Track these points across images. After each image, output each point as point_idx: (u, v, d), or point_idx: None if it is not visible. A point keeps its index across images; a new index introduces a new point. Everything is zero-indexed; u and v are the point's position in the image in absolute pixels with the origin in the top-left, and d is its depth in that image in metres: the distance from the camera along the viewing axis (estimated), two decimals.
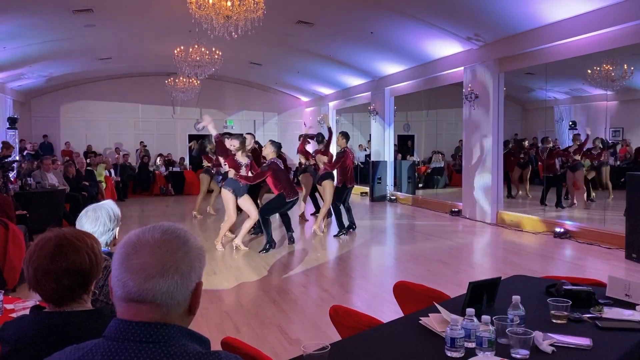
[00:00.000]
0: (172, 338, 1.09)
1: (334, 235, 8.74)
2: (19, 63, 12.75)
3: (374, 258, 7.57)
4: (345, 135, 9.02)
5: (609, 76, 10.45)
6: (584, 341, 2.00)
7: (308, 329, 4.40)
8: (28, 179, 9.18)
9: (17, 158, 11.85)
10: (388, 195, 14.11)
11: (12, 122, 14.22)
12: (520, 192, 13.25)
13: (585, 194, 11.38)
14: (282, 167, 7.56)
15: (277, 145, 7.75)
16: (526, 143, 13.67)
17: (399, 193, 14.16)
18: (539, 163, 14.65)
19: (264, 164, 7.68)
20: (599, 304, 2.42)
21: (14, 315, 2.60)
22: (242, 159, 7.51)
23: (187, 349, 1.09)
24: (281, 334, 4.23)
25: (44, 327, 1.57)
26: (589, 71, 10.77)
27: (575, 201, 11.21)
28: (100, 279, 2.09)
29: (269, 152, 7.67)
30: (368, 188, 14.39)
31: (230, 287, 5.71)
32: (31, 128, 17.20)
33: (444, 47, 10.82)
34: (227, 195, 7.48)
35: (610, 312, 2.35)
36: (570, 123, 14.01)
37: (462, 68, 10.80)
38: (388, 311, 4.27)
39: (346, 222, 9.02)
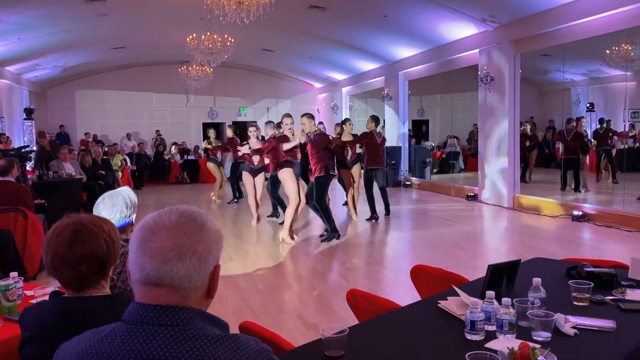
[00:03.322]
0: (191, 321, 1.09)
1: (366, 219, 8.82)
2: (34, 54, 12.83)
3: (390, 243, 7.55)
4: (374, 119, 9.05)
5: (628, 56, 10.23)
6: (607, 323, 1.96)
7: (325, 314, 4.41)
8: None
9: (35, 148, 11.97)
10: (403, 180, 14.04)
11: (29, 112, 14.36)
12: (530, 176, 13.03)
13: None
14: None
15: (312, 117, 7.33)
16: (528, 127, 13.32)
17: (413, 178, 14.08)
18: (556, 146, 14.47)
19: (319, 134, 7.11)
20: (622, 286, 2.37)
21: (33, 301, 2.62)
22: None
23: (206, 332, 1.09)
24: (298, 319, 4.24)
25: (62, 312, 1.58)
26: (608, 51, 10.54)
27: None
28: (118, 265, 2.09)
29: (310, 126, 7.18)
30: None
31: (247, 273, 5.74)
32: (47, 118, 17.35)
33: (458, 29, 10.66)
34: (287, 175, 7.11)
35: (633, 294, 2.30)
36: (588, 105, 13.77)
37: (477, 50, 10.64)
38: (405, 296, 4.25)
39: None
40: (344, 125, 8.99)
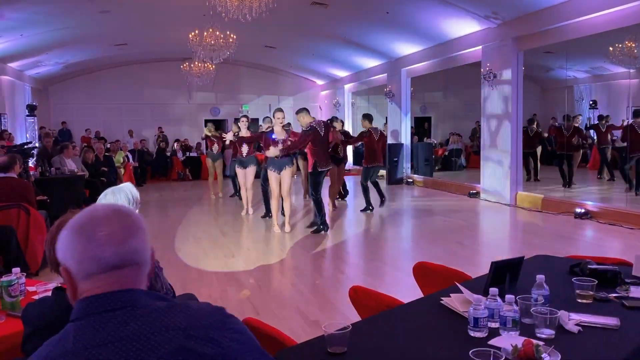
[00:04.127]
0: (138, 300, 1.10)
1: (361, 210, 9.31)
2: (36, 50, 12.84)
3: (392, 240, 7.54)
4: (367, 117, 9.49)
5: (632, 53, 10.21)
6: (611, 321, 1.96)
7: (327, 311, 4.41)
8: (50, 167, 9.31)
9: (37, 145, 11.99)
10: (405, 178, 14.02)
11: (31, 109, 14.37)
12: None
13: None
14: (323, 134, 7.40)
15: (308, 111, 7.60)
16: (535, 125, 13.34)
17: (416, 175, 14.07)
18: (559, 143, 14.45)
19: (305, 129, 7.37)
20: (626, 283, 2.37)
21: (36, 297, 2.63)
22: (281, 134, 7.39)
23: (155, 306, 1.10)
24: (300, 316, 4.24)
25: (64, 308, 1.58)
26: (611, 48, 10.53)
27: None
28: None
29: (305, 120, 7.44)
30: (385, 171, 14.31)
31: (249, 269, 5.74)
32: (50, 115, 17.37)
33: (461, 26, 10.64)
34: (271, 175, 7.50)
35: (637, 292, 2.29)
36: (591, 102, 13.74)
37: (480, 47, 10.61)
38: (406, 293, 4.23)
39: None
40: (334, 123, 9.24)
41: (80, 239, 1.11)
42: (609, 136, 11.53)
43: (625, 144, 10.91)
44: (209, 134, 11.58)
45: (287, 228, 7.66)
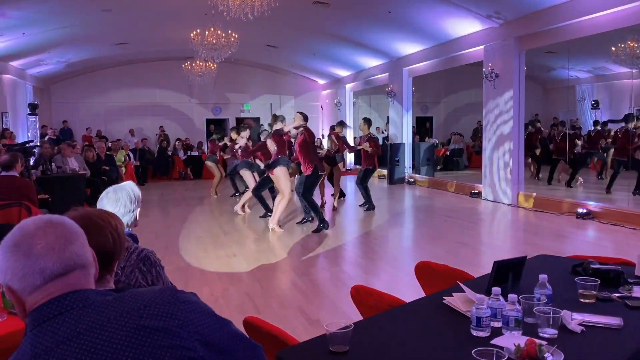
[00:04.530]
0: (88, 298, 1.11)
1: (365, 210, 9.47)
2: (38, 49, 12.84)
3: (393, 240, 7.54)
4: (367, 122, 9.82)
5: (634, 53, 10.18)
6: (613, 320, 1.95)
7: (328, 310, 4.41)
8: (50, 165, 9.30)
9: (38, 143, 11.99)
10: (406, 177, 14.01)
11: (33, 108, 14.37)
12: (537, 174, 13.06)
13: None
14: (313, 139, 7.62)
15: (305, 116, 7.72)
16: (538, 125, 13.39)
17: (417, 175, 14.06)
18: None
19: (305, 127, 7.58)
20: (628, 283, 2.36)
21: None
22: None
23: (105, 299, 1.12)
24: (301, 315, 4.24)
25: None
26: (613, 48, 10.50)
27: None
28: (122, 260, 2.09)
29: (299, 123, 7.56)
30: (386, 171, 14.30)
31: (250, 269, 5.74)
32: (51, 114, 17.37)
33: (463, 26, 10.62)
34: (281, 173, 7.64)
35: None
36: (593, 102, 13.71)
37: (482, 47, 10.60)
38: (408, 292, 4.22)
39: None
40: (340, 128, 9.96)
41: (17, 256, 1.10)
42: (599, 141, 11.54)
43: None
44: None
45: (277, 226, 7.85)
